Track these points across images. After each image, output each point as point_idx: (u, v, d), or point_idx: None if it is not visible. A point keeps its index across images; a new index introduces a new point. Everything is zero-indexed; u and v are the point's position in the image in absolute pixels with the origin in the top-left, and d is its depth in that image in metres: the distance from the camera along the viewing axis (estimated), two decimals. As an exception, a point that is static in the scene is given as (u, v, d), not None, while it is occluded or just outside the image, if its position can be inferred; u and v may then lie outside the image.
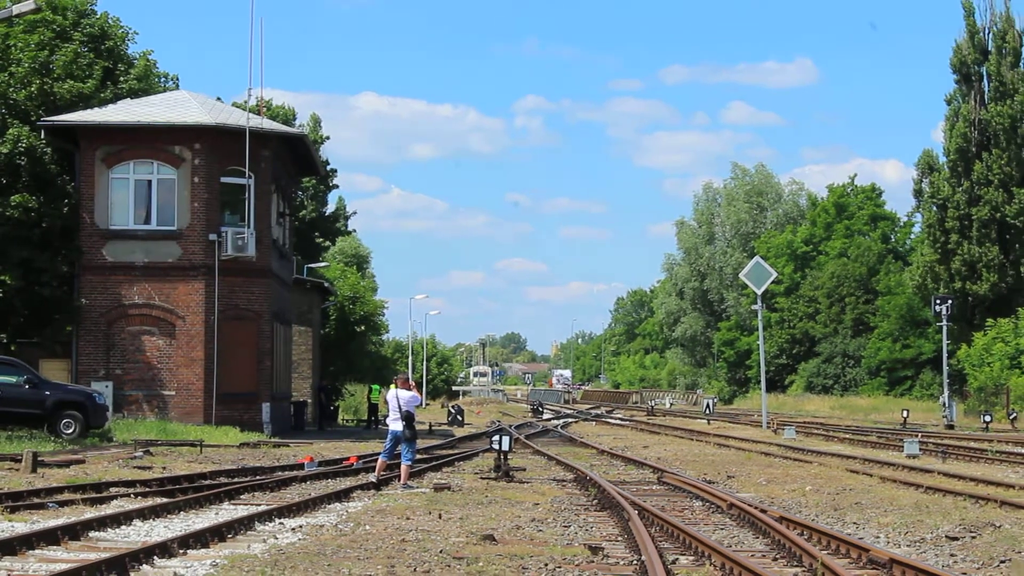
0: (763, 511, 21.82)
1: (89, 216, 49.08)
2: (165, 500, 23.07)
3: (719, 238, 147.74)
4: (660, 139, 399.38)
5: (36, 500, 22.65)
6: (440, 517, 22.03)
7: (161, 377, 48.96)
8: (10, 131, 48.45)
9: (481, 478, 31.14)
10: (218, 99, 59.27)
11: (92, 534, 18.75)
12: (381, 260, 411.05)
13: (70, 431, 39.78)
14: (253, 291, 50.41)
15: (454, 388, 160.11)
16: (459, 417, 72.16)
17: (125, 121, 49.61)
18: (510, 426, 60.92)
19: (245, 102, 57.08)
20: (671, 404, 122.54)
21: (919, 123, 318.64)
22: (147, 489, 25.49)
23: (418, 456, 32.41)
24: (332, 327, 77.42)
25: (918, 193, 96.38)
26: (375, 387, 66.81)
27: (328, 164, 78.72)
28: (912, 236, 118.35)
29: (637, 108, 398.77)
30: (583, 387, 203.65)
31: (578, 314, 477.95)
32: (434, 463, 36.03)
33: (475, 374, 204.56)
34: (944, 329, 76.82)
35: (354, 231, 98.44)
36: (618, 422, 78.49)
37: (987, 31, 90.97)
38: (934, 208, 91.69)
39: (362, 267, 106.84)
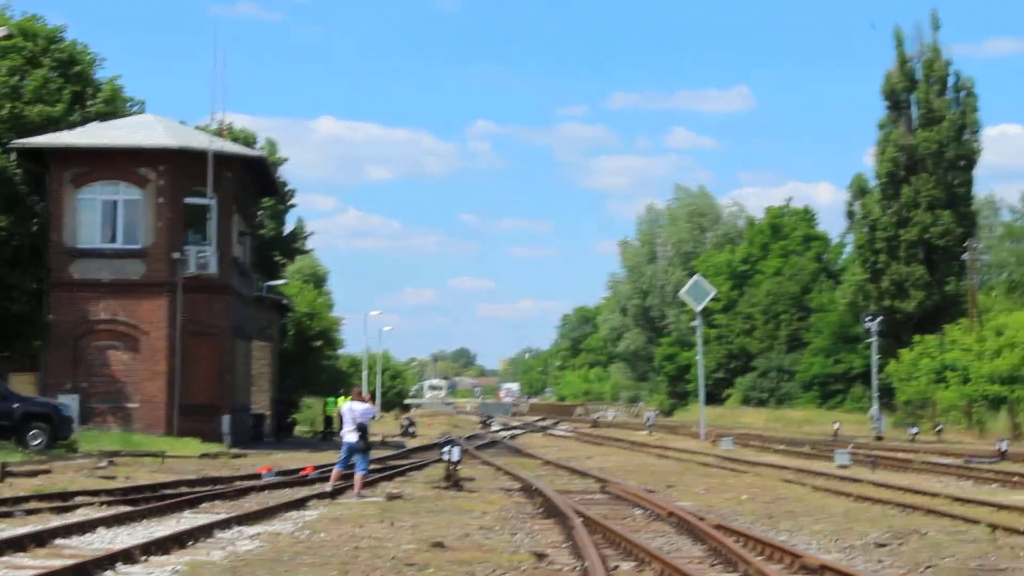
0: (701, 519, 21.86)
1: (58, 235, 48.91)
2: (128, 508, 22.95)
3: (661, 257, 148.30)
4: (604, 162, 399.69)
5: (3, 508, 22.50)
6: (392, 525, 22.00)
7: (126, 390, 48.79)
8: (-19, 153, 48.32)
9: (432, 487, 31.10)
10: (182, 123, 59.02)
11: (58, 541, 18.65)
12: (338, 278, 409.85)
13: (37, 442, 39.61)
14: (214, 307, 50.27)
15: (407, 401, 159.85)
16: (411, 429, 72.16)
17: (92, 144, 49.46)
18: (460, 438, 60.93)
19: (208, 126, 57.12)
20: (614, 417, 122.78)
21: (851, 148, 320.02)
22: (111, 498, 25.35)
23: (371, 466, 32.34)
24: (290, 342, 77.28)
25: (850, 215, 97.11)
26: (331, 400, 66.68)
27: (287, 185, 78.44)
28: (844, 256, 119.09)
29: (583, 132, 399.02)
30: (530, 400, 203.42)
31: (526, 330, 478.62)
32: (387, 473, 35.96)
33: (430, 387, 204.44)
34: (874, 345, 77.37)
35: (312, 250, 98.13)
36: (563, 434, 78.57)
37: (916, 60, 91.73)
38: (865, 229, 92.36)
39: (319, 285, 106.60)
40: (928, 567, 17.19)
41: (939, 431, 68.28)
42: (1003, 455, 44.51)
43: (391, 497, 28.02)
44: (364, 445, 29.10)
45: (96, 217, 49.49)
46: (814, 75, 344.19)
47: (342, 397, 65.84)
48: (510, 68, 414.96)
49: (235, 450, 46.28)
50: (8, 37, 45.22)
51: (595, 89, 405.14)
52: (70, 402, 45.54)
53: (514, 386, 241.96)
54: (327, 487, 29.09)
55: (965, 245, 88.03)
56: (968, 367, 75.96)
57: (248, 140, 73.72)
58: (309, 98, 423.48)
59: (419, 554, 17.96)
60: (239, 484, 30.06)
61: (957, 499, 26.92)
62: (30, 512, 22.44)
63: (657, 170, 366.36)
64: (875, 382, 77.68)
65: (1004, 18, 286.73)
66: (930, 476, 36.35)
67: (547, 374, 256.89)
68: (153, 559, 17.17)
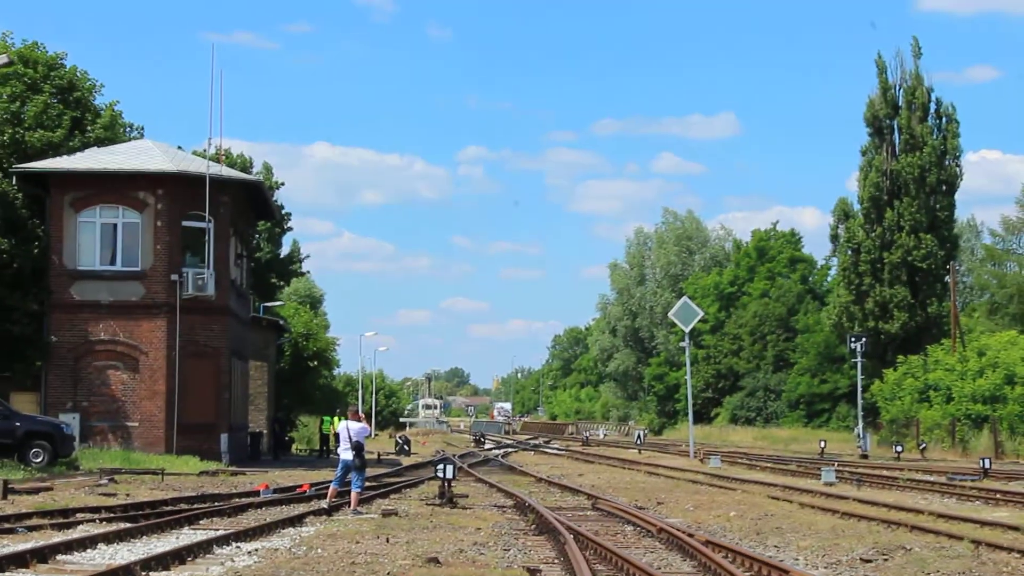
0: (690, 535, 21.87)
1: (58, 257, 48.87)
2: (129, 525, 22.94)
3: (650, 279, 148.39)
4: (593, 187, 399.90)
5: (6, 525, 22.49)
6: (388, 541, 21.99)
7: (125, 409, 48.72)
8: (-17, 177, 48.35)
9: (426, 504, 31.10)
10: (180, 148, 59.08)
11: (59, 557, 18.65)
12: (333, 299, 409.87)
13: (39, 460, 39.60)
14: (212, 328, 50.24)
15: (401, 420, 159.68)
16: (406, 447, 71.99)
17: (92, 168, 49.43)
18: (454, 455, 60.76)
19: (205, 151, 57.08)
20: (604, 435, 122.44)
21: (835, 173, 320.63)
22: (112, 515, 25.33)
23: (367, 484, 32.33)
24: (286, 362, 77.20)
25: (834, 238, 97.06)
26: (327, 418, 66.60)
27: (283, 209, 78.52)
28: (829, 278, 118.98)
29: (572, 158, 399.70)
30: (522, 419, 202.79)
31: (518, 350, 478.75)
32: (382, 490, 35.95)
33: (424, 406, 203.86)
34: (859, 365, 77.27)
35: (308, 272, 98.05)
36: (555, 452, 78.44)
37: (898, 88, 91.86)
38: (849, 252, 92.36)
39: (315, 306, 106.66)
40: (913, 582, 17.21)
41: (923, 449, 68.24)
42: (986, 473, 44.50)
43: (386, 514, 28.01)
44: (360, 463, 29.15)
45: (96, 240, 49.45)
46: (798, 101, 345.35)
47: (337, 417, 66.00)
48: (501, 95, 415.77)
49: (233, 468, 46.19)
50: (9, 64, 45.23)
51: (584, 116, 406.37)
52: (71, 421, 45.55)
53: (506, 405, 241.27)
54: (324, 504, 29.10)
55: (947, 267, 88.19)
56: (951, 387, 75.95)
57: (245, 165, 73.83)
58: (304, 124, 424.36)
59: (414, 570, 17.96)
60: (237, 501, 30.05)
61: (941, 516, 26.94)
62: (32, 528, 22.43)
63: (645, 194, 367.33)
64: (860, 401, 77.62)
65: (984, 47, 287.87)
66: (914, 493, 36.34)
67: (539, 393, 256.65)
68: (153, 574, 17.16)
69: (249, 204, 56.31)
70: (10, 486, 29.85)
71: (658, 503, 32.40)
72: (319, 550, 20.49)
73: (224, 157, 58.69)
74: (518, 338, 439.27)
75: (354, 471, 29.03)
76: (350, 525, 25.29)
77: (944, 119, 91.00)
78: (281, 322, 72.34)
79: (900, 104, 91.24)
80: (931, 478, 43.42)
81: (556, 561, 19.35)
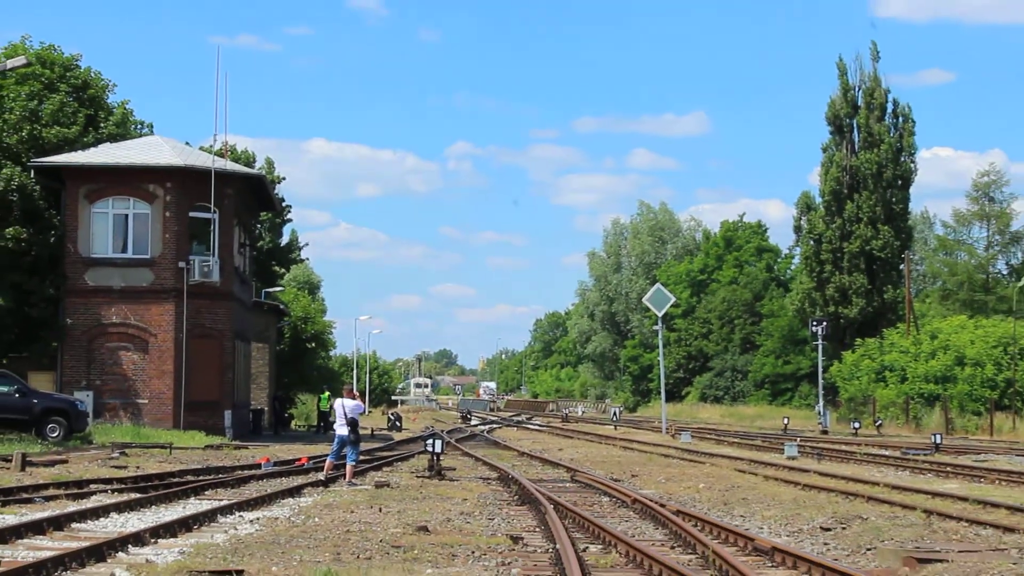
0: (662, 505, 21.90)
1: (73, 245, 48.78)
2: (139, 495, 22.92)
3: (625, 267, 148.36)
4: (573, 180, 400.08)
5: (25, 495, 22.48)
6: (380, 511, 21.99)
7: (136, 387, 48.66)
8: (3, 171, 48.30)
9: (416, 476, 31.09)
10: (187, 143, 58.80)
11: (74, 525, 18.63)
12: (330, 285, 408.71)
13: (55, 435, 39.60)
14: (217, 312, 50.18)
15: (393, 397, 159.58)
16: (398, 423, 71.91)
17: (105, 162, 49.34)
18: (442, 431, 60.74)
19: (211, 146, 56.95)
20: (583, 412, 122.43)
21: (798, 168, 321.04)
22: (123, 486, 25.30)
23: (361, 457, 32.31)
24: (286, 344, 77.06)
25: (797, 229, 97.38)
26: (324, 396, 66.54)
27: (284, 201, 78.20)
28: (792, 266, 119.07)
29: (553, 153, 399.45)
30: (506, 397, 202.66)
31: (502, 333, 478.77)
32: (375, 463, 35.94)
33: (415, 385, 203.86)
34: (819, 347, 77.52)
35: (307, 260, 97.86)
36: (536, 428, 78.48)
37: (858, 89, 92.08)
38: (811, 242, 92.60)
39: (313, 292, 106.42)
40: (869, 549, 17.25)
41: (879, 426, 68.33)
42: (937, 447, 44.63)
43: (379, 485, 28.00)
44: (354, 438, 29.17)
45: (108, 229, 49.36)
46: (765, 101, 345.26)
47: (325, 394, 65.98)
48: (487, 94, 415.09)
49: (236, 442, 46.16)
50: (27, 65, 45.01)
51: (564, 114, 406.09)
52: (85, 398, 45.45)
53: (492, 384, 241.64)
54: (320, 476, 29.09)
55: (902, 257, 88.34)
56: (905, 367, 76.14)
57: (248, 160, 73.59)
58: (303, 121, 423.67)
59: (405, 537, 17.96)
60: (240, 473, 30.03)
61: (895, 487, 27.00)
62: (49, 498, 22.40)
63: (621, 188, 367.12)
64: (821, 381, 77.82)
65: (937, 51, 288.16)
66: (871, 466, 36.43)
67: (522, 373, 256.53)
68: (162, 541, 17.16)
69: (252, 196, 56.24)
70: (28, 459, 29.82)
71: (632, 476, 32.40)
72: (316, 519, 20.49)
73: (228, 152, 58.45)
74: (503, 322, 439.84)
75: (349, 445, 29.03)
76: (345, 496, 25.29)
77: (900, 118, 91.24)
78: (281, 306, 72.23)
79: (859, 104, 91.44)
80: (886, 452, 43.54)
81: (537, 529, 19.36)
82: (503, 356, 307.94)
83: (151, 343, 48.85)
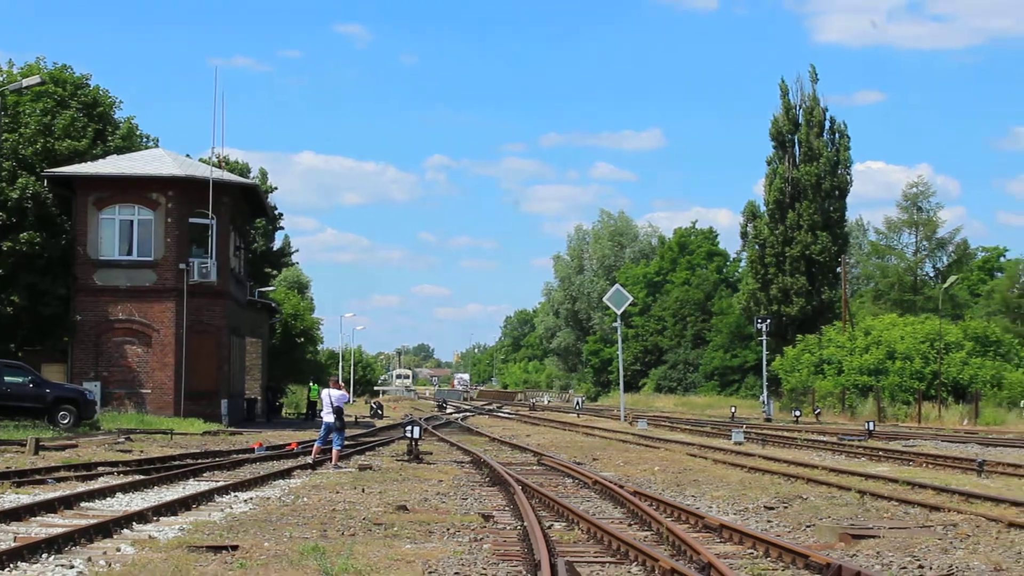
0: (621, 487, 21.92)
1: (83, 249, 48.66)
2: (142, 477, 22.87)
3: (587, 270, 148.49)
4: (540, 190, 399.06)
5: (37, 477, 22.41)
6: (363, 491, 21.98)
7: (140, 378, 48.56)
8: (19, 180, 48.47)
9: (396, 460, 31.07)
10: (187, 155, 58.67)
11: (83, 504, 18.58)
12: (318, 285, 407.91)
13: (66, 421, 39.55)
14: (214, 310, 50.08)
15: (375, 388, 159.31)
16: (379, 411, 71.78)
17: (112, 173, 49.22)
18: (420, 419, 60.60)
19: (209, 158, 56.85)
20: (548, 401, 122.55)
21: (744, 179, 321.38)
22: (128, 468, 25.27)
23: (346, 442, 32.28)
24: (278, 339, 76.96)
25: (744, 235, 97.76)
26: (313, 386, 66.42)
27: (275, 208, 77.95)
28: (739, 269, 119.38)
29: (522, 166, 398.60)
30: (479, 388, 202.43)
31: (475, 329, 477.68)
32: (359, 448, 35.92)
33: (397, 376, 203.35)
34: (764, 342, 77.79)
35: (296, 263, 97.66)
36: (506, 416, 78.45)
37: (798, 108, 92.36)
38: (756, 247, 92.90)
39: (303, 291, 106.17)
40: (808, 526, 17.31)
41: (818, 414, 68.58)
42: (870, 434, 44.78)
43: (362, 468, 27.99)
44: (340, 424, 29.16)
45: (115, 234, 49.28)
46: (714, 119, 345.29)
47: (314, 385, 65.84)
48: (461, 111, 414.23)
49: (232, 429, 46.08)
50: (41, 84, 44.95)
51: (532, 129, 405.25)
52: (93, 388, 45.42)
53: (465, 376, 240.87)
54: (309, 460, 29.05)
55: (839, 260, 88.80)
56: (841, 361, 76.41)
57: (243, 170, 73.42)
58: (293, 135, 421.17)
59: (386, 515, 17.96)
60: (235, 457, 29.96)
61: (832, 470, 27.08)
62: (60, 480, 22.33)
63: (584, 197, 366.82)
64: (765, 373, 78.09)
65: (870, 74, 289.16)
66: (810, 451, 36.51)
67: (493, 366, 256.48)
68: (163, 519, 17.13)
69: (246, 204, 56.12)
70: (41, 444, 29.76)
71: (593, 459, 32.43)
72: (305, 498, 20.47)
73: (225, 164, 58.38)
74: (476, 319, 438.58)
75: (335, 432, 29.01)
76: (331, 477, 25.27)
77: (837, 135, 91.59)
78: (273, 305, 72.10)
79: (800, 122, 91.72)
80: (824, 438, 43.64)
81: (507, 508, 19.38)
82: (476, 350, 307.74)
83: (154, 338, 48.75)
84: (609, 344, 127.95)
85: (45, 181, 49.09)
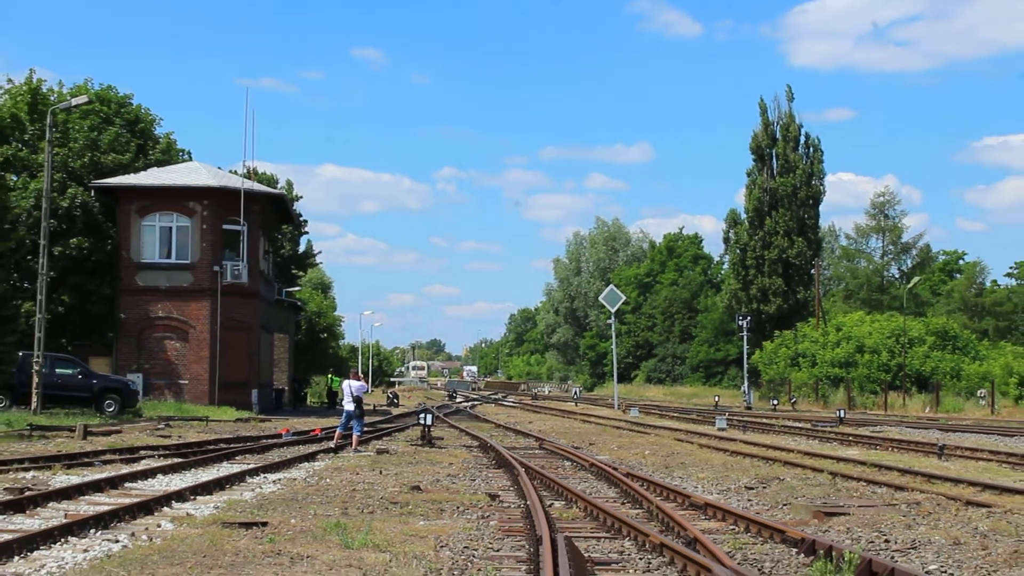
0: (614, 469, 21.92)
1: (126, 252, 48.74)
2: (180, 460, 22.88)
3: (584, 272, 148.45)
4: (540, 199, 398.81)
5: (86, 460, 22.43)
6: (381, 473, 21.99)
7: (178, 370, 48.61)
8: (69, 190, 48.61)
9: (411, 444, 31.07)
10: (220, 168, 58.80)
11: (127, 484, 18.60)
12: (339, 286, 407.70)
13: (111, 409, 39.70)
14: (245, 308, 50.14)
15: (391, 379, 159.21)
16: (395, 400, 71.82)
17: (153, 184, 49.28)
18: (433, 407, 60.67)
19: (240, 171, 56.82)
20: (549, 391, 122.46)
21: (726, 189, 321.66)
22: (167, 452, 25.28)
23: (365, 429, 32.30)
24: (303, 334, 76.94)
25: (726, 240, 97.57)
26: (335, 378, 66.41)
27: (301, 216, 77.96)
28: (722, 271, 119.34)
29: (524, 177, 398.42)
30: (486, 379, 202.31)
31: (482, 325, 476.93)
32: (377, 434, 35.92)
33: (414, 368, 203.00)
34: (745, 338, 77.67)
35: (320, 264, 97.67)
36: (511, 405, 78.44)
37: (776, 124, 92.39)
38: (738, 251, 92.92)
39: (325, 291, 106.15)
40: (785, 505, 17.31)
41: (794, 403, 68.59)
42: (841, 420, 44.81)
43: (380, 452, 28.00)
44: (359, 412, 29.18)
45: (155, 239, 49.34)
46: (699, 134, 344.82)
47: (331, 375, 65.81)
48: (469, 127, 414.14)
49: (261, 416, 46.12)
50: (88, 103, 45.19)
51: (533, 144, 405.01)
52: (136, 379, 45.52)
53: (474, 368, 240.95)
54: (331, 444, 29.07)
55: (813, 263, 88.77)
56: (815, 354, 76.44)
57: (271, 181, 73.38)
58: (317, 149, 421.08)
59: (401, 495, 17.97)
60: (264, 442, 29.98)
61: (807, 453, 27.07)
62: (106, 462, 22.36)
63: (581, 205, 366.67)
64: (745, 365, 78.02)
65: (841, 93, 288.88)
66: (786, 436, 36.49)
67: (498, 359, 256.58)
68: (199, 498, 17.15)
69: (274, 212, 56.16)
70: (89, 430, 29.83)
71: (590, 444, 32.41)
72: (327, 479, 20.48)
73: (254, 175, 58.39)
74: (482, 316, 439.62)
75: (355, 419, 29.03)
76: (351, 460, 25.27)
77: (811, 149, 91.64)
78: (299, 303, 72.14)
79: (777, 137, 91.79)
80: (799, 425, 43.65)
81: (511, 488, 19.38)
82: (483, 344, 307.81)
83: (191, 333, 48.80)
84: (604, 339, 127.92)
85: (92, 191, 49.23)
